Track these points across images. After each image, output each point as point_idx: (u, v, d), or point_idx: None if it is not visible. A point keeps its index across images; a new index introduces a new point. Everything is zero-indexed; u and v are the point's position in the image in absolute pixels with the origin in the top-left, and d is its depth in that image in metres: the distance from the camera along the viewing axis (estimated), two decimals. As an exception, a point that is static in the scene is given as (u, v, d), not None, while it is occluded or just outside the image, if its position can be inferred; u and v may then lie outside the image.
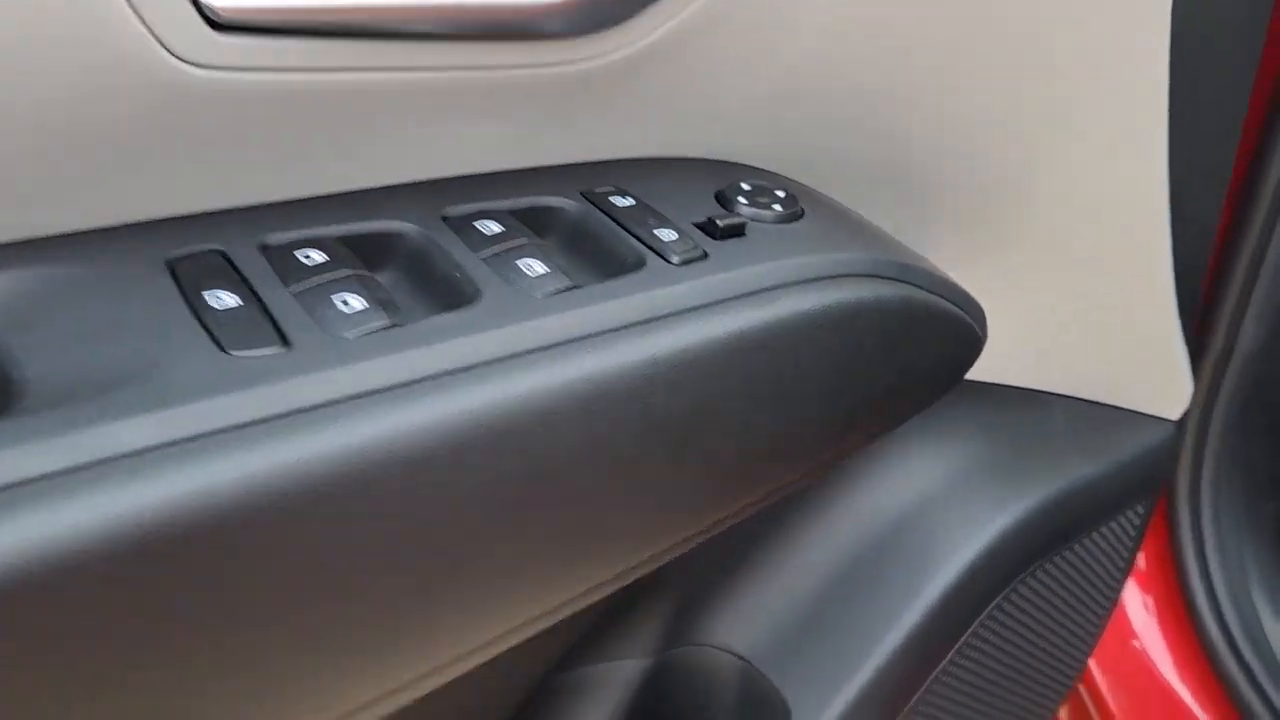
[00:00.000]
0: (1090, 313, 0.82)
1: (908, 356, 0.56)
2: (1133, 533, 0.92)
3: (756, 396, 0.49)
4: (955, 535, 0.77)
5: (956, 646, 0.78)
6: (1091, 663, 1.28)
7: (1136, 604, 1.28)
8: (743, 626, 0.75)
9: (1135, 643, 1.28)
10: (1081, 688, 1.31)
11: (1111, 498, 0.86)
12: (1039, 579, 0.83)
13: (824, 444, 0.56)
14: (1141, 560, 1.30)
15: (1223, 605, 1.23)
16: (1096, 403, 0.87)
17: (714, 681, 0.76)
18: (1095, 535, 0.87)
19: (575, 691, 0.72)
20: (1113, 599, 0.96)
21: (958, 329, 0.59)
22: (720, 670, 0.76)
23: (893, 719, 0.76)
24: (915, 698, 0.77)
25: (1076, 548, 0.86)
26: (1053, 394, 0.85)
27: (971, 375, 0.81)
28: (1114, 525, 0.89)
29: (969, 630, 0.78)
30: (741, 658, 0.76)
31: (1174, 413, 0.90)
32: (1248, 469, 1.26)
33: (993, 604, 0.79)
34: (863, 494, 0.78)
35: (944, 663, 0.78)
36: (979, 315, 0.62)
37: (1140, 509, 0.91)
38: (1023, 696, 0.92)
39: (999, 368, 0.82)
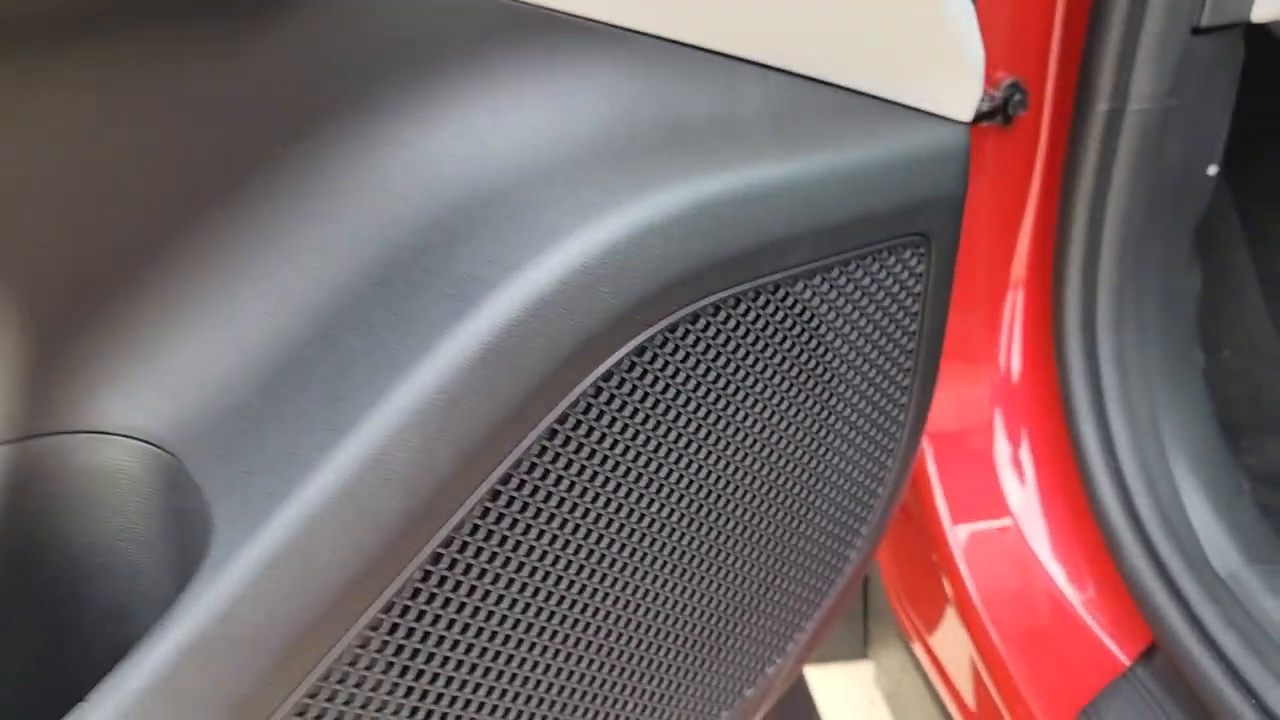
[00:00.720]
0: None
1: None
2: (905, 296, 0.62)
3: None
4: (537, 239, 0.47)
5: (537, 435, 0.48)
6: (954, 548, 0.97)
7: (1010, 473, 0.97)
8: (162, 401, 0.47)
9: (1008, 523, 0.96)
10: (947, 583, 1.00)
11: (850, 218, 0.56)
12: (720, 333, 0.53)
13: None
14: (1021, 413, 0.98)
15: (1129, 481, 0.91)
16: (820, 81, 0.56)
17: (111, 484, 0.47)
18: (831, 277, 0.57)
19: None
20: (886, 401, 0.65)
21: None
22: (120, 469, 0.47)
23: (412, 551, 0.46)
24: (459, 520, 0.47)
25: (789, 292, 0.55)
26: (750, 61, 0.55)
27: (616, 18, 0.52)
28: (868, 268, 0.59)
29: (561, 409, 0.48)
30: (158, 447, 0.47)
31: (958, 110, 0.59)
32: (1162, 298, 0.94)
33: (615, 361, 0.49)
34: (373, 174, 0.48)
35: (512, 463, 0.47)
36: None
37: (912, 255, 0.60)
38: (729, 553, 0.62)
39: (664, 18, 0.52)
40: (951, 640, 1.05)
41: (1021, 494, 0.97)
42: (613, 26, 0.52)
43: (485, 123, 0.49)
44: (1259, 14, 0.83)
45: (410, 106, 0.48)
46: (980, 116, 0.90)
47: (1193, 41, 0.83)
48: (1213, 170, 0.94)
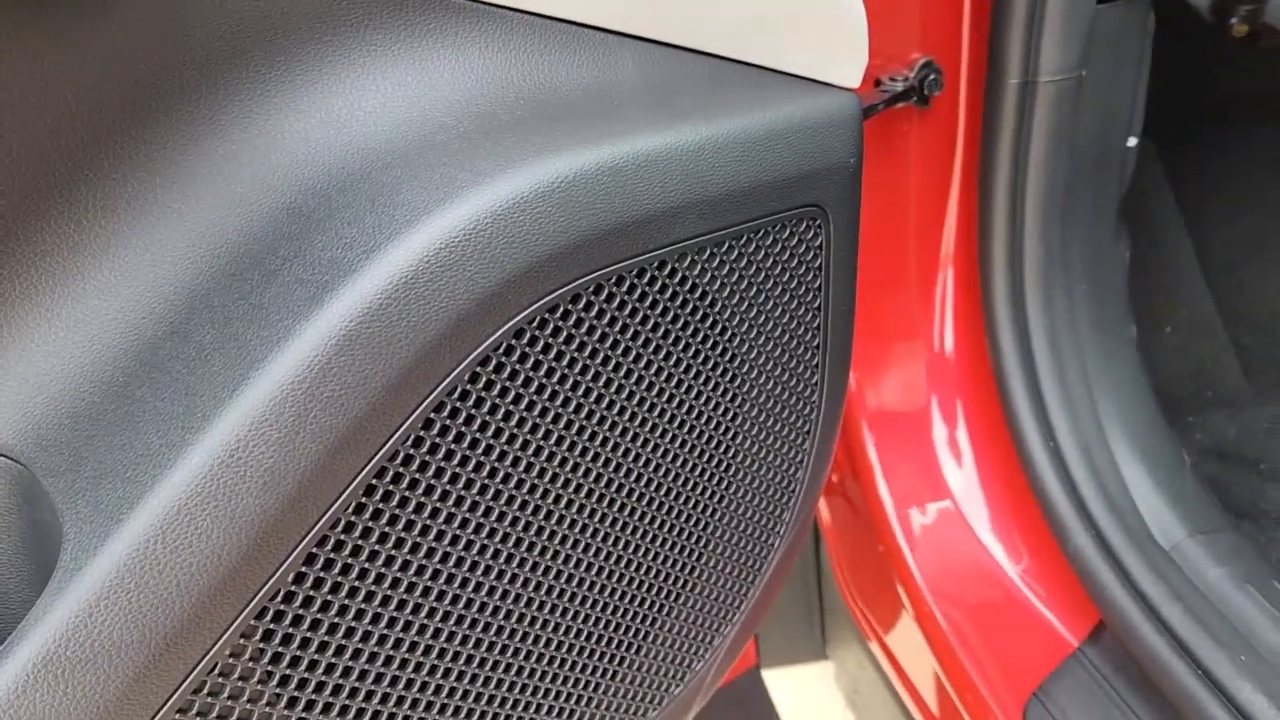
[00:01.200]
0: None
1: None
2: (804, 269, 0.60)
3: None
4: (397, 220, 0.45)
5: (411, 425, 0.46)
6: (898, 535, 0.95)
7: (949, 455, 0.95)
8: (9, 408, 0.44)
9: (951, 507, 0.95)
10: (893, 571, 0.98)
11: (735, 189, 0.54)
12: (604, 313, 0.51)
13: None
14: (957, 392, 0.97)
15: (1067, 457, 0.90)
16: (698, 51, 0.55)
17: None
18: (722, 252, 0.55)
19: None
20: (795, 380, 0.64)
21: None
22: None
23: (282, 551, 0.44)
24: (331, 517, 0.44)
25: (677, 268, 0.54)
26: (625, 34, 0.54)
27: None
28: (760, 241, 0.57)
29: (437, 398, 0.46)
30: (7, 457, 0.44)
31: (844, 77, 0.58)
32: (1089, 270, 0.93)
33: (490, 344, 0.47)
34: (224, 162, 0.46)
35: (387, 455, 0.45)
36: None
37: (808, 227, 0.59)
38: (637, 543, 0.60)
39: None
40: (903, 631, 1.03)
41: (962, 476, 0.95)
42: (482, 3, 0.50)
43: (343, 105, 0.48)
44: (1164, -21, 0.83)
45: (263, 90, 0.46)
46: (896, 97, 0.89)
47: (1100, 10, 0.83)
48: (1132, 142, 0.94)
